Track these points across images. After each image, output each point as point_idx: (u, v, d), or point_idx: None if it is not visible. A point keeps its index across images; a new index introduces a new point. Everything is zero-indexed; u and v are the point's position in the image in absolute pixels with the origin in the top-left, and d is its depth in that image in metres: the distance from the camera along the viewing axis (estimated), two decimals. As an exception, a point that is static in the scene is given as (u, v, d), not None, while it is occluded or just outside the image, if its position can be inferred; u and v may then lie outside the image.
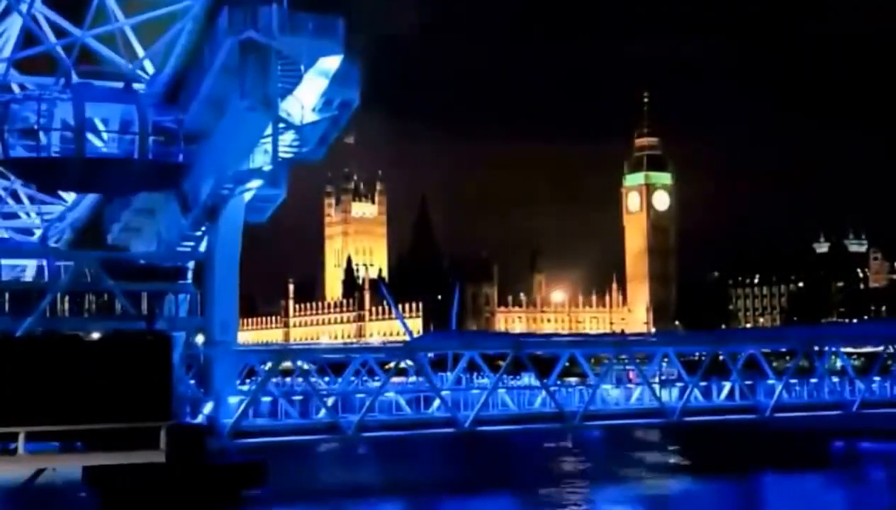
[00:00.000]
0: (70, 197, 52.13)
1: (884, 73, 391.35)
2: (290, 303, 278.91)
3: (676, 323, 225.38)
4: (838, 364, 60.02)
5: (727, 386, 53.21)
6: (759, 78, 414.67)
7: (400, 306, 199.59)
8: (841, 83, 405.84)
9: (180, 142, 44.23)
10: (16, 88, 47.77)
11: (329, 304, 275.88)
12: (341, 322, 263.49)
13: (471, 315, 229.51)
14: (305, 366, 61.48)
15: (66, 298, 43.73)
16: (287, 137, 45.56)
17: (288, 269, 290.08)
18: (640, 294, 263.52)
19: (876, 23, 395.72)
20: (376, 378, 57.59)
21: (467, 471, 53.99)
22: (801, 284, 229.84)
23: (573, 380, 62.88)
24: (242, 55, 42.41)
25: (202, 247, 47.56)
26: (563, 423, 49.41)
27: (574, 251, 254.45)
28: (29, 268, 51.26)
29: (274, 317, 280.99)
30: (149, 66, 47.64)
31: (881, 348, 60.64)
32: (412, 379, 60.36)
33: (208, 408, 43.23)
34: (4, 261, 50.12)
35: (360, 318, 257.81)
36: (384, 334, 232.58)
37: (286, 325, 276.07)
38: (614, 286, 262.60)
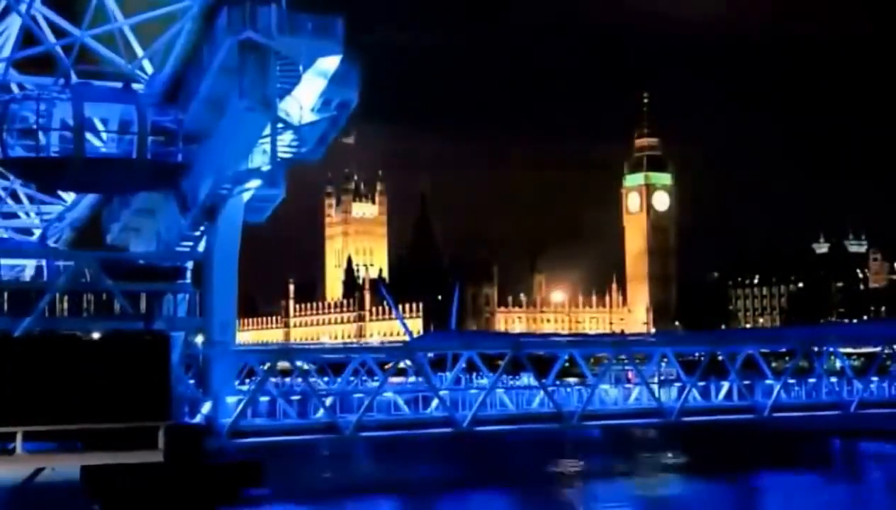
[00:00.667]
0: (69, 197, 52.18)
1: (884, 73, 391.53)
2: (291, 303, 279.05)
3: (676, 323, 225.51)
4: (838, 364, 60.08)
5: (725, 386, 53.29)
6: (760, 78, 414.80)
7: (400, 306, 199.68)
8: (841, 83, 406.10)
9: (179, 142, 44.27)
10: (15, 88, 47.82)
11: (329, 305, 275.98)
12: (342, 322, 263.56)
13: (471, 315, 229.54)
14: (305, 367, 61.55)
15: (65, 298, 43.74)
16: (286, 137, 45.62)
17: (288, 270, 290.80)
18: (639, 294, 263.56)
19: (876, 23, 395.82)
20: (376, 378, 57.63)
21: (466, 470, 54.04)
22: (800, 285, 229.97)
23: (573, 380, 62.90)
24: (241, 55, 42.45)
25: (201, 247, 47.62)
26: (561, 423, 49.46)
27: (574, 251, 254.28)
28: (28, 267, 51.33)
29: (274, 318, 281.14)
30: (148, 66, 47.71)
31: (879, 348, 60.73)
32: (411, 379, 60.41)
33: (207, 407, 43.28)
34: (4, 261, 50.23)
35: (361, 319, 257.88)
36: (384, 334, 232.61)
37: (286, 326, 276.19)
38: (614, 286, 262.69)
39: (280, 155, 45.08)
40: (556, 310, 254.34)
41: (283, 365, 52.62)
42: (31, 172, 46.07)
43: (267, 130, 44.18)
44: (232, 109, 43.76)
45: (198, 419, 42.95)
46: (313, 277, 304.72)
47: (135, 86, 46.43)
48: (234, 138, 44.39)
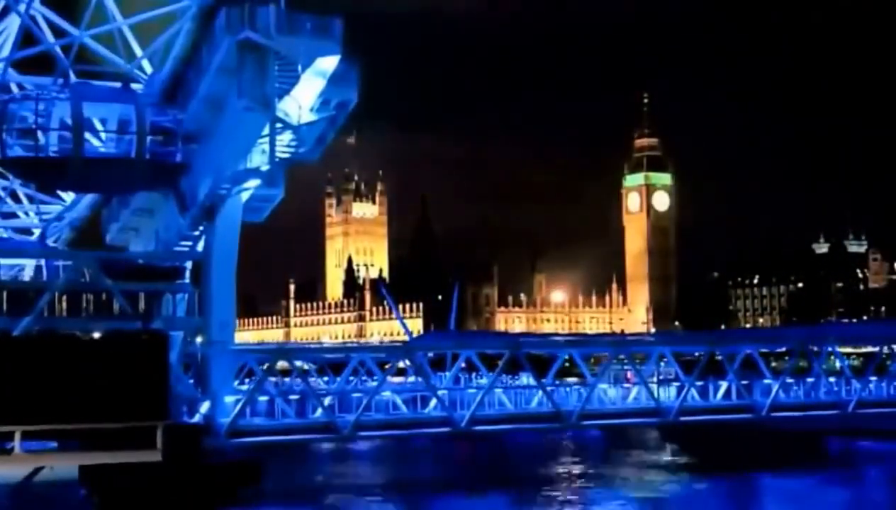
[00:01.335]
0: (69, 196, 52.21)
1: (884, 73, 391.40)
2: (291, 303, 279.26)
3: (676, 323, 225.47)
4: (837, 364, 60.15)
5: (724, 385, 53.33)
6: (760, 78, 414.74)
7: (400, 306, 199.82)
8: (841, 83, 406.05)
9: (178, 141, 44.27)
10: (14, 88, 47.86)
11: (330, 305, 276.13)
12: (342, 322, 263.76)
13: (471, 315, 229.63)
14: (306, 367, 61.59)
15: (64, 298, 43.78)
16: (285, 137, 45.69)
17: (289, 270, 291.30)
18: (640, 294, 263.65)
19: (876, 22, 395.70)
20: (375, 378, 57.68)
21: (465, 470, 54.09)
22: (800, 285, 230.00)
23: (573, 380, 62.93)
24: (240, 55, 42.48)
25: (200, 246, 47.67)
26: (560, 423, 49.52)
27: (574, 252, 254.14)
28: (27, 267, 51.40)
29: (275, 318, 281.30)
30: (147, 66, 47.75)
31: (878, 348, 60.78)
32: (411, 379, 60.45)
33: (205, 407, 43.33)
34: (3, 261, 50.32)
35: (361, 318, 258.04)
36: (384, 334, 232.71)
37: (287, 326, 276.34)
38: (614, 286, 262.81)
39: (279, 155, 45.16)
40: (556, 310, 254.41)
41: (283, 365, 52.72)
42: (30, 172, 46.09)
43: (266, 130, 44.25)
44: (231, 109, 43.80)
45: (196, 419, 42.98)
46: (314, 277, 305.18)
47: (134, 86, 46.51)
48: (233, 138, 44.44)
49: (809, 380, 55.57)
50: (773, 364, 77.38)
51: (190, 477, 38.65)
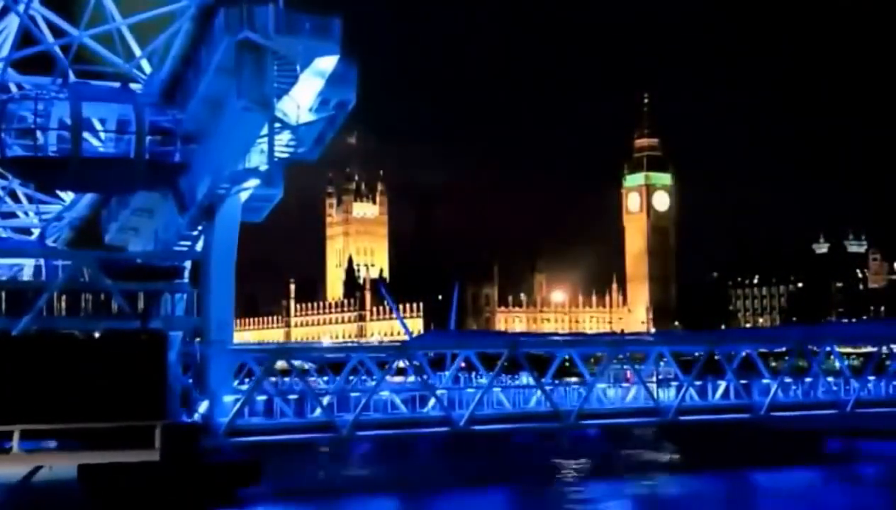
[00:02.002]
0: (68, 196, 52.29)
1: (884, 73, 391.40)
2: (292, 302, 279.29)
3: (676, 323, 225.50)
4: (836, 365, 60.23)
5: (722, 385, 53.39)
6: (760, 78, 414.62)
7: (400, 306, 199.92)
8: (841, 83, 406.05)
9: (177, 141, 44.37)
10: (13, 88, 47.92)
11: (330, 304, 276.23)
12: (342, 322, 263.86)
13: (471, 315, 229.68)
14: (306, 367, 61.62)
15: (63, 297, 43.83)
16: (283, 137, 45.75)
17: (289, 269, 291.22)
18: (640, 294, 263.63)
19: (876, 23, 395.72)
20: (374, 377, 57.72)
21: (464, 469, 54.06)
22: (800, 285, 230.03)
23: (573, 379, 62.97)
24: (239, 55, 42.54)
25: (199, 246, 47.72)
26: (559, 422, 49.59)
27: (574, 252, 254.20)
28: (27, 267, 51.44)
29: (275, 317, 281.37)
30: (146, 66, 47.83)
31: (876, 348, 60.80)
32: (410, 378, 60.50)
33: (204, 406, 43.38)
34: (2, 261, 50.40)
35: (361, 318, 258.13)
36: (385, 334, 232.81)
37: (287, 325, 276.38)
38: (614, 286, 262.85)
39: (278, 155, 45.21)
40: (557, 310, 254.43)
41: (283, 365, 52.75)
42: (29, 172, 46.16)
43: (264, 130, 44.31)
44: (230, 109, 43.85)
45: (195, 418, 43.04)
46: (314, 277, 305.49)
47: (133, 85, 46.59)
48: (232, 138, 44.49)
49: (808, 379, 55.62)
50: (773, 364, 77.48)
51: (188, 476, 38.77)
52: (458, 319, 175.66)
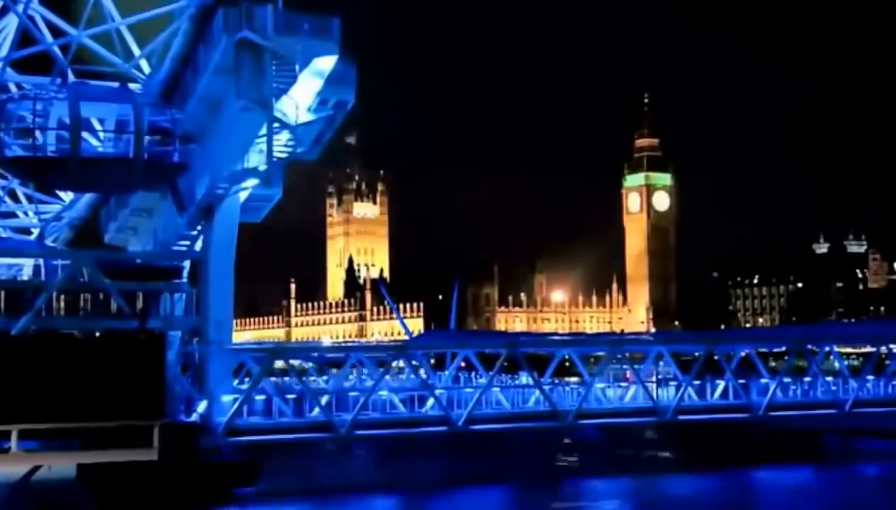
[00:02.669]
0: (67, 196, 52.36)
1: (885, 74, 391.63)
2: (292, 302, 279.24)
3: (676, 323, 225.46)
4: (836, 365, 60.30)
5: (721, 385, 53.43)
6: (760, 77, 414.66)
7: (401, 306, 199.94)
8: (841, 83, 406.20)
9: (176, 141, 44.35)
10: (12, 88, 47.99)
11: (330, 304, 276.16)
12: (343, 322, 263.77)
13: (471, 315, 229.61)
14: (306, 366, 61.63)
15: (62, 297, 43.88)
16: (282, 137, 45.79)
17: (289, 269, 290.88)
18: (640, 294, 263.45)
19: (877, 23, 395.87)
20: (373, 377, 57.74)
21: (462, 469, 54.08)
22: (800, 285, 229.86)
23: (572, 379, 63.00)
24: (238, 55, 42.65)
25: (198, 246, 47.79)
26: (557, 422, 49.63)
27: (574, 252, 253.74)
28: (26, 266, 51.49)
29: (276, 317, 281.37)
30: (145, 66, 47.91)
31: (875, 348, 60.85)
32: (411, 378, 60.53)
33: (202, 406, 43.41)
34: (2, 260, 50.45)
35: (362, 318, 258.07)
36: (385, 334, 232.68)
37: (288, 325, 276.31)
38: (614, 286, 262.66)
39: (276, 154, 45.24)
40: (557, 310, 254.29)
41: (283, 364, 52.75)
42: (28, 172, 46.21)
43: (263, 130, 44.35)
44: (228, 109, 43.94)
45: (193, 418, 43.07)
46: (314, 277, 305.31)
47: (131, 85, 46.65)
48: (231, 138, 44.56)
49: (807, 379, 55.66)
50: (773, 364, 77.49)
51: (186, 476, 38.82)
52: (457, 319, 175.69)
